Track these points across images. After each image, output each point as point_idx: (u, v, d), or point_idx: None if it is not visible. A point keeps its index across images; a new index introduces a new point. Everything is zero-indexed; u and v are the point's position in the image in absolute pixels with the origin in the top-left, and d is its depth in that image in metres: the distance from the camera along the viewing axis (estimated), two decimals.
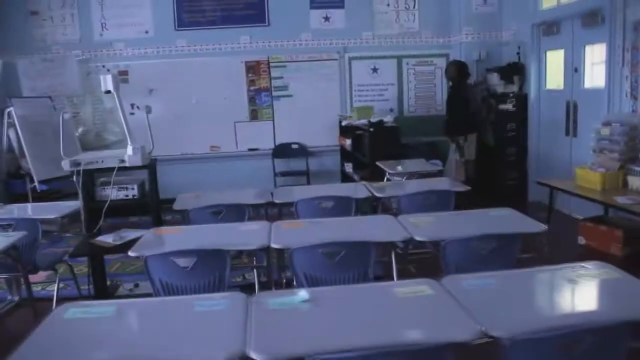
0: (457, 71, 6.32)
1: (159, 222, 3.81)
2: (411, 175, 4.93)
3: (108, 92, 3.87)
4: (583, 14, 5.29)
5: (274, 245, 2.80)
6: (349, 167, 6.83)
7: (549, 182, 4.89)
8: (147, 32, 6.93)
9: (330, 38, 7.12)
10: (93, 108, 6.91)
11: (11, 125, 5.98)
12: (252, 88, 7.13)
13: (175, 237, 3.10)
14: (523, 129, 6.42)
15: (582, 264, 2.29)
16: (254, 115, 7.21)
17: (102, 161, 3.64)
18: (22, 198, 5.99)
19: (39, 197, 5.89)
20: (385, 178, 5.36)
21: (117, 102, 3.79)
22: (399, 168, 5.03)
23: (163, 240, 3.03)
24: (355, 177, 6.34)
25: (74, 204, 3.96)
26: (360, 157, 6.25)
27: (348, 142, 6.68)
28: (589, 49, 5.41)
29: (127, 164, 3.66)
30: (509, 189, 6.40)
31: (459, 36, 6.99)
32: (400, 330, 1.86)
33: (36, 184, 5.92)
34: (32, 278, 3.53)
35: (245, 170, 7.12)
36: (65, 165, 3.59)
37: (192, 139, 7.09)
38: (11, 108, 5.94)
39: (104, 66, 6.89)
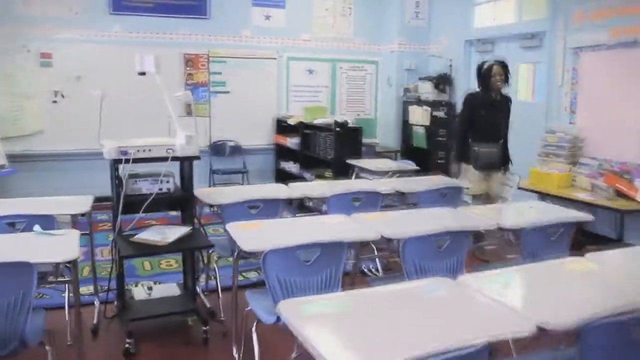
0: (506, 77, 4.79)
1: (191, 218, 3.56)
2: (393, 174, 5.17)
3: (143, 74, 3.53)
4: (521, 36, 6.07)
5: (389, 236, 2.88)
6: (291, 167, 6.88)
7: None
8: (76, 13, 6.25)
9: (270, 36, 7.12)
10: (9, 92, 6.03)
11: None
12: (189, 82, 6.82)
13: (264, 232, 2.96)
14: (451, 134, 7.08)
15: None
16: (190, 111, 6.88)
17: (150, 150, 3.30)
18: None
19: None
20: (354, 176, 5.56)
21: (160, 85, 3.48)
22: (380, 166, 5.25)
23: (260, 235, 2.87)
24: (306, 175, 6.42)
25: (88, 199, 3.53)
26: (315, 156, 6.34)
27: (292, 141, 6.74)
28: (523, 67, 6.21)
29: (178, 154, 3.37)
30: None
31: (390, 45, 7.47)
32: None
33: None
34: None
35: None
36: (110, 153, 3.18)
37: (122, 132, 6.52)
38: None
39: (24, 46, 6.06)
